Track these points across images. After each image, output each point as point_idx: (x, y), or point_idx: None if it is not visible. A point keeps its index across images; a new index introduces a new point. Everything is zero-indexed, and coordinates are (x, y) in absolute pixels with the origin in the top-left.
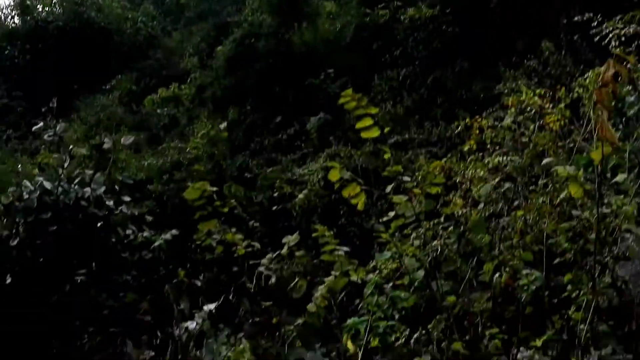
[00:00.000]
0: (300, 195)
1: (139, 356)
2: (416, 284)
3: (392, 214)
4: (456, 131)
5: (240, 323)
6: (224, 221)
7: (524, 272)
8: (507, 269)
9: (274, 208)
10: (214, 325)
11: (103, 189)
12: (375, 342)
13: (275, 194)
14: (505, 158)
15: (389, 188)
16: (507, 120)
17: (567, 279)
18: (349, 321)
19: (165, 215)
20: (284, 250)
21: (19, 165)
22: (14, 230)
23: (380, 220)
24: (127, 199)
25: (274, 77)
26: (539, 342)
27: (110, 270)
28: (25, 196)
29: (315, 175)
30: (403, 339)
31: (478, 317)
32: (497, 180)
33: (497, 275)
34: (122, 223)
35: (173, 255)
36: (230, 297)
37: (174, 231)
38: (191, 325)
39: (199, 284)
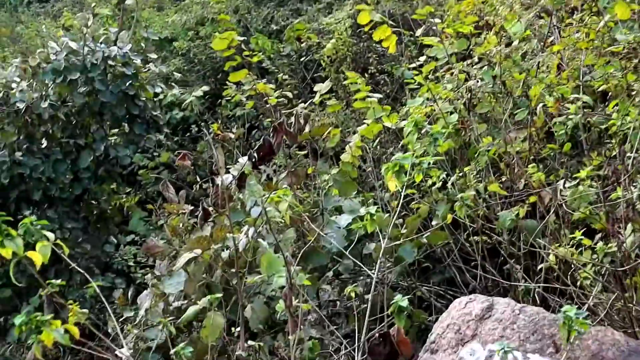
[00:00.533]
0: (329, 45)
1: (179, 209)
2: (450, 127)
3: (423, 58)
4: None
5: (276, 173)
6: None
7: (572, 96)
8: (554, 94)
9: (302, 59)
10: (255, 168)
11: (129, 46)
12: (419, 178)
13: (303, 45)
14: None
15: (419, 31)
16: None
17: (612, 106)
18: (393, 158)
19: (193, 72)
20: (316, 99)
21: (44, 28)
22: (43, 93)
23: (411, 66)
24: (154, 56)
25: None
26: (583, 174)
27: (143, 130)
28: (53, 57)
29: (343, 24)
30: (440, 183)
31: (515, 158)
32: (531, 15)
33: (540, 105)
34: (151, 81)
35: (203, 113)
36: (268, 138)
37: (205, 87)
38: (229, 176)
39: (232, 136)
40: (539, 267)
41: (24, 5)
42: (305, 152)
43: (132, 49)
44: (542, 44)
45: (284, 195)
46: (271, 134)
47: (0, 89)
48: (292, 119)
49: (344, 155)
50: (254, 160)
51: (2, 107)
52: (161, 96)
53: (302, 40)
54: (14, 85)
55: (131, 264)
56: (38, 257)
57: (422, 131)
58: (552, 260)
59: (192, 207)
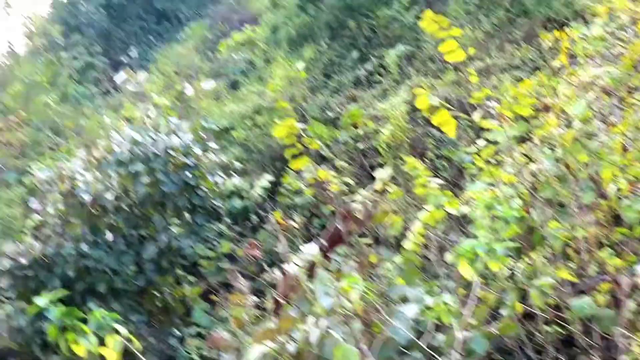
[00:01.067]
0: (385, 131)
1: (243, 301)
2: (514, 212)
3: (481, 142)
4: (546, 45)
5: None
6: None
7: None
8: (627, 175)
9: (359, 146)
10: (324, 256)
11: (190, 137)
12: (495, 266)
13: (359, 132)
14: (599, 70)
15: (476, 115)
16: (598, 30)
17: None
18: (464, 245)
19: (251, 162)
20: (378, 185)
21: (106, 120)
22: (107, 184)
23: (470, 150)
24: (213, 145)
25: (346, 11)
26: None
27: (204, 220)
28: (116, 149)
29: (399, 109)
30: (506, 271)
31: (583, 243)
32: (592, 96)
33: (612, 187)
34: (211, 171)
35: (263, 202)
36: (334, 229)
37: (269, 176)
38: (298, 261)
39: (295, 225)
40: (619, 358)
41: (87, 98)
42: (368, 240)
43: (192, 139)
44: (605, 124)
45: (354, 284)
46: (339, 222)
47: (66, 181)
48: (359, 205)
49: (406, 243)
50: (323, 248)
51: (68, 200)
52: (221, 185)
53: (358, 127)
54: (78, 177)
55: (196, 357)
56: (112, 354)
57: (488, 216)
58: (638, 352)
59: (257, 298)
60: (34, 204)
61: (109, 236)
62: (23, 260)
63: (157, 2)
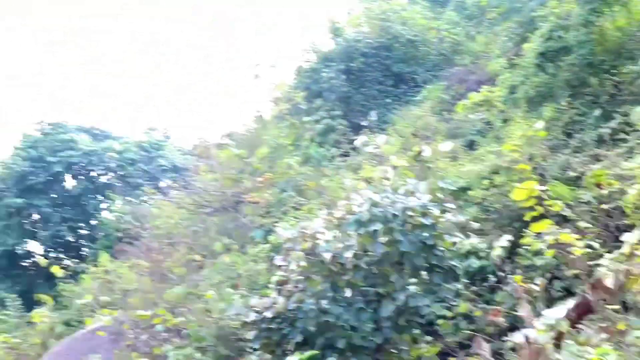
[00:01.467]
0: (633, 191)
1: None
2: None
3: None
4: None
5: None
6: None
7: None
8: None
9: (604, 206)
10: (572, 326)
11: (427, 197)
12: None
13: (604, 192)
14: None
15: None
16: None
17: None
18: None
19: (488, 221)
20: (626, 249)
21: (346, 180)
22: (347, 243)
23: None
24: (451, 206)
25: (587, 68)
26: None
27: (441, 279)
28: (356, 209)
29: None
30: None
31: None
32: None
33: None
34: (448, 231)
35: (501, 262)
36: (583, 298)
37: (508, 236)
38: (541, 326)
39: (537, 288)
40: None
41: (327, 160)
42: (615, 305)
43: (429, 199)
44: None
45: (604, 355)
46: (589, 292)
47: (308, 239)
48: (605, 270)
49: None
50: (570, 318)
51: (310, 257)
52: (458, 245)
53: (602, 187)
54: (320, 236)
55: None
56: None
57: None
58: None
59: None
60: (278, 260)
61: (348, 293)
62: (267, 314)
63: (394, 66)
